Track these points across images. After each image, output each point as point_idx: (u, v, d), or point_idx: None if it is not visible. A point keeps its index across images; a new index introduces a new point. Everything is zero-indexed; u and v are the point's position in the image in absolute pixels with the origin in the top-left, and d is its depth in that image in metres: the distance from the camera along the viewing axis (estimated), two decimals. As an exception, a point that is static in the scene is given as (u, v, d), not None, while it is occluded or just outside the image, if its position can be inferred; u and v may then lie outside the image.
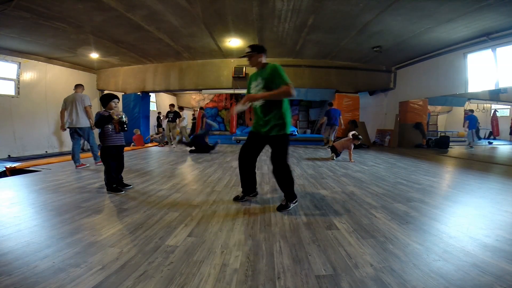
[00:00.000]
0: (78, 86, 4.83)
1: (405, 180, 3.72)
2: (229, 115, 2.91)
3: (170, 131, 8.50)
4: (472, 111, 9.67)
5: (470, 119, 9.14)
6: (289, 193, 2.44)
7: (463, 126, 9.40)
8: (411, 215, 2.28)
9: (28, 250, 1.58)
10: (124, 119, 3.01)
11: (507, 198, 2.82)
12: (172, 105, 10.26)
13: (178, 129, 8.64)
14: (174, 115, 8.34)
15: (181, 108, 9.23)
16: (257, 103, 2.42)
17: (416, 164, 5.21)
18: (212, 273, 1.38)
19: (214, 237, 1.82)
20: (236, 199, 2.70)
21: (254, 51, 2.50)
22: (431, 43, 6.72)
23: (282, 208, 2.39)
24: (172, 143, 8.57)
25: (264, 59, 2.54)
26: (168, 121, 8.41)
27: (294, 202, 2.47)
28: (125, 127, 3.03)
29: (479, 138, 9.60)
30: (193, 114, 12.56)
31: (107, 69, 9.91)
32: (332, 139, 8.12)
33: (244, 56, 2.57)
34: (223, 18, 5.66)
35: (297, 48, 7.70)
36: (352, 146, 5.51)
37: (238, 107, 2.48)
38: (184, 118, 8.82)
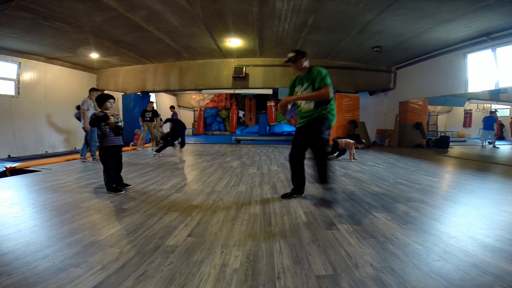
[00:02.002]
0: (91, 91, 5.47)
1: (405, 180, 3.72)
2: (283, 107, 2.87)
3: (150, 132, 7.69)
4: (492, 112, 9.85)
5: (485, 121, 9.38)
6: (326, 177, 2.38)
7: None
8: (411, 215, 2.28)
9: (28, 250, 1.58)
10: (121, 123, 3.03)
11: (507, 198, 2.82)
12: (172, 107, 10.27)
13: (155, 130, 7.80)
14: (152, 114, 7.59)
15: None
16: (306, 107, 2.50)
17: (416, 164, 5.21)
18: (212, 273, 1.38)
19: (214, 237, 1.82)
20: (285, 196, 2.77)
21: (299, 55, 2.51)
22: (431, 43, 6.72)
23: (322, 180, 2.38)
24: (153, 148, 7.57)
25: (307, 63, 2.55)
26: (146, 120, 7.54)
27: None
28: (120, 132, 3.06)
29: (486, 140, 9.71)
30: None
31: (107, 69, 9.91)
32: None
33: (288, 61, 2.55)
34: (223, 18, 5.66)
35: (297, 48, 7.69)
36: (354, 147, 5.54)
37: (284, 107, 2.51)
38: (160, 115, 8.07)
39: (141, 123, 7.72)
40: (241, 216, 2.24)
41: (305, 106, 2.52)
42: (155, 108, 8.33)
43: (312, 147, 2.43)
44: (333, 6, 4.95)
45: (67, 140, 8.88)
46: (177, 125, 6.54)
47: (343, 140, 5.69)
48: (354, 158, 5.59)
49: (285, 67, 8.95)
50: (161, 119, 9.10)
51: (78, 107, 5.65)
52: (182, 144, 6.78)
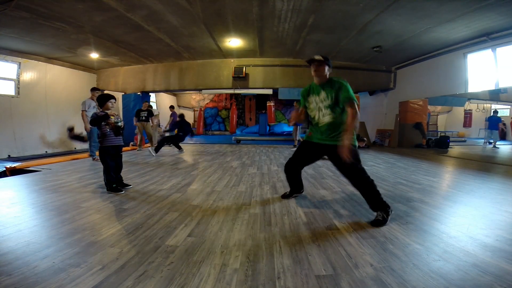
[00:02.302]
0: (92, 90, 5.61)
1: (405, 180, 3.72)
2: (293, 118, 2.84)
3: (146, 132, 7.51)
4: (496, 112, 9.90)
5: (489, 120, 9.44)
6: (378, 202, 2.09)
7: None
8: (411, 215, 2.28)
9: (28, 250, 1.58)
10: (120, 123, 3.01)
11: (507, 198, 2.82)
12: (172, 107, 10.27)
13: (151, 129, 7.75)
14: (147, 113, 7.40)
15: (150, 107, 8.20)
16: (324, 120, 2.26)
17: (416, 164, 5.21)
18: (212, 273, 1.38)
19: (214, 237, 1.82)
20: (285, 196, 2.80)
21: (327, 61, 2.25)
22: (431, 43, 6.72)
23: (377, 223, 2.03)
24: (143, 147, 7.66)
25: (329, 73, 2.31)
26: (141, 120, 7.36)
27: (389, 211, 2.10)
28: (120, 132, 3.05)
29: (488, 140, 9.76)
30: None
31: (107, 69, 9.91)
32: (299, 139, 8.13)
33: (310, 62, 2.28)
34: (223, 18, 5.66)
35: (297, 48, 7.70)
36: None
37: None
38: (158, 115, 8.06)
39: (135, 123, 7.49)
40: (241, 216, 2.24)
41: (323, 118, 2.27)
42: (154, 108, 8.21)
43: (349, 175, 2.22)
44: (333, 6, 4.95)
45: (67, 140, 8.88)
46: (184, 129, 6.82)
47: None
48: None
49: (285, 67, 8.96)
50: (158, 120, 8.98)
51: None
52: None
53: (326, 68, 2.25)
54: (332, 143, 2.19)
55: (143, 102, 8.06)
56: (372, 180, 2.14)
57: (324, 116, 2.26)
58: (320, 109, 2.27)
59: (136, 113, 7.50)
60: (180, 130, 6.84)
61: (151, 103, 10.20)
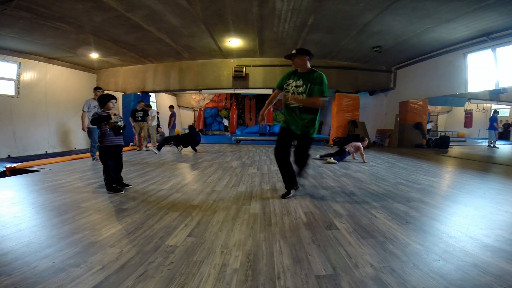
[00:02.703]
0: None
1: (405, 180, 3.72)
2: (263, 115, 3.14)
3: (141, 132, 7.45)
4: (496, 112, 9.90)
5: (490, 121, 9.52)
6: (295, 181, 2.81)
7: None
8: (411, 215, 2.28)
9: (28, 250, 1.58)
10: (120, 123, 2.99)
11: (507, 198, 2.82)
12: (171, 107, 10.28)
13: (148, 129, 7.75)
14: (143, 113, 7.31)
15: (149, 106, 8.27)
16: (295, 104, 2.61)
17: (416, 164, 5.21)
18: (212, 273, 1.38)
19: (214, 237, 1.82)
20: (283, 196, 2.80)
21: (299, 53, 2.61)
22: (431, 43, 6.72)
23: (286, 195, 2.76)
24: (147, 147, 7.56)
25: (310, 64, 2.66)
26: (137, 120, 7.28)
27: (295, 188, 2.84)
28: (120, 131, 3.03)
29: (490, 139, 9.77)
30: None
31: (107, 69, 9.91)
32: None
33: (288, 57, 2.67)
34: (223, 18, 5.66)
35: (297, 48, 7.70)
36: (362, 148, 5.50)
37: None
38: (154, 116, 8.05)
39: (132, 123, 7.42)
40: (241, 216, 2.24)
41: (293, 100, 2.62)
42: (154, 108, 8.18)
43: (301, 146, 2.75)
44: (333, 6, 4.95)
45: (67, 140, 8.88)
46: (193, 137, 6.96)
47: (351, 145, 5.55)
48: (357, 159, 5.58)
49: (285, 67, 8.94)
50: (158, 118, 8.92)
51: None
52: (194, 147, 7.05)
53: (304, 58, 2.59)
54: (303, 133, 2.66)
55: (138, 101, 7.85)
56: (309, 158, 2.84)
57: (295, 99, 2.60)
58: (294, 93, 2.61)
59: (132, 114, 7.43)
60: (189, 140, 7.02)
61: (151, 103, 10.19)
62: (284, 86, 2.71)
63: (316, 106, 2.55)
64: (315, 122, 2.66)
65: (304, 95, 2.55)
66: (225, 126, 16.36)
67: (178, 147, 7.16)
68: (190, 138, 6.98)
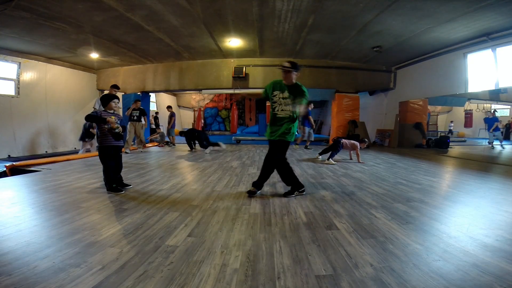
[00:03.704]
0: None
1: (405, 180, 3.72)
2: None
3: (136, 132, 7.03)
4: (495, 112, 9.92)
5: (488, 121, 9.52)
6: (290, 180, 2.92)
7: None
8: (411, 215, 2.28)
9: (28, 250, 1.58)
10: (117, 130, 2.97)
11: (507, 198, 2.82)
12: (169, 107, 10.25)
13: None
14: (139, 112, 6.96)
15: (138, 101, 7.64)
16: (281, 113, 2.78)
17: (416, 164, 5.21)
18: (212, 273, 1.38)
19: (214, 237, 1.82)
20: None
21: (295, 69, 2.72)
22: (431, 43, 6.72)
23: (288, 194, 2.87)
24: (139, 148, 7.29)
25: (295, 78, 2.81)
26: (132, 120, 6.89)
27: (300, 191, 2.91)
28: (120, 136, 3.04)
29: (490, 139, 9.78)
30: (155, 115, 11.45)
31: (107, 69, 9.91)
32: (312, 139, 8.36)
33: (281, 68, 2.76)
34: (223, 18, 5.66)
35: (297, 48, 7.70)
36: (359, 148, 5.46)
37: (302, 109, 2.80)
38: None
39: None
40: (241, 216, 2.24)
41: (281, 112, 2.78)
42: (155, 109, 8.13)
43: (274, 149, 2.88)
44: (333, 6, 4.95)
45: (67, 140, 8.88)
46: (195, 135, 7.27)
47: (348, 141, 5.47)
48: (353, 160, 5.57)
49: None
50: (157, 118, 8.89)
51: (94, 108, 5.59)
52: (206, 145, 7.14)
53: (293, 75, 2.73)
54: (274, 138, 2.84)
55: (134, 100, 7.24)
56: (286, 165, 2.90)
57: (282, 110, 2.78)
58: (280, 103, 2.77)
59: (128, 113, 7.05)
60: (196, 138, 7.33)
61: (151, 103, 10.13)
62: (270, 97, 2.83)
63: (304, 114, 2.75)
64: (295, 129, 2.86)
65: (290, 106, 2.73)
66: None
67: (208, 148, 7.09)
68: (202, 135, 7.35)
